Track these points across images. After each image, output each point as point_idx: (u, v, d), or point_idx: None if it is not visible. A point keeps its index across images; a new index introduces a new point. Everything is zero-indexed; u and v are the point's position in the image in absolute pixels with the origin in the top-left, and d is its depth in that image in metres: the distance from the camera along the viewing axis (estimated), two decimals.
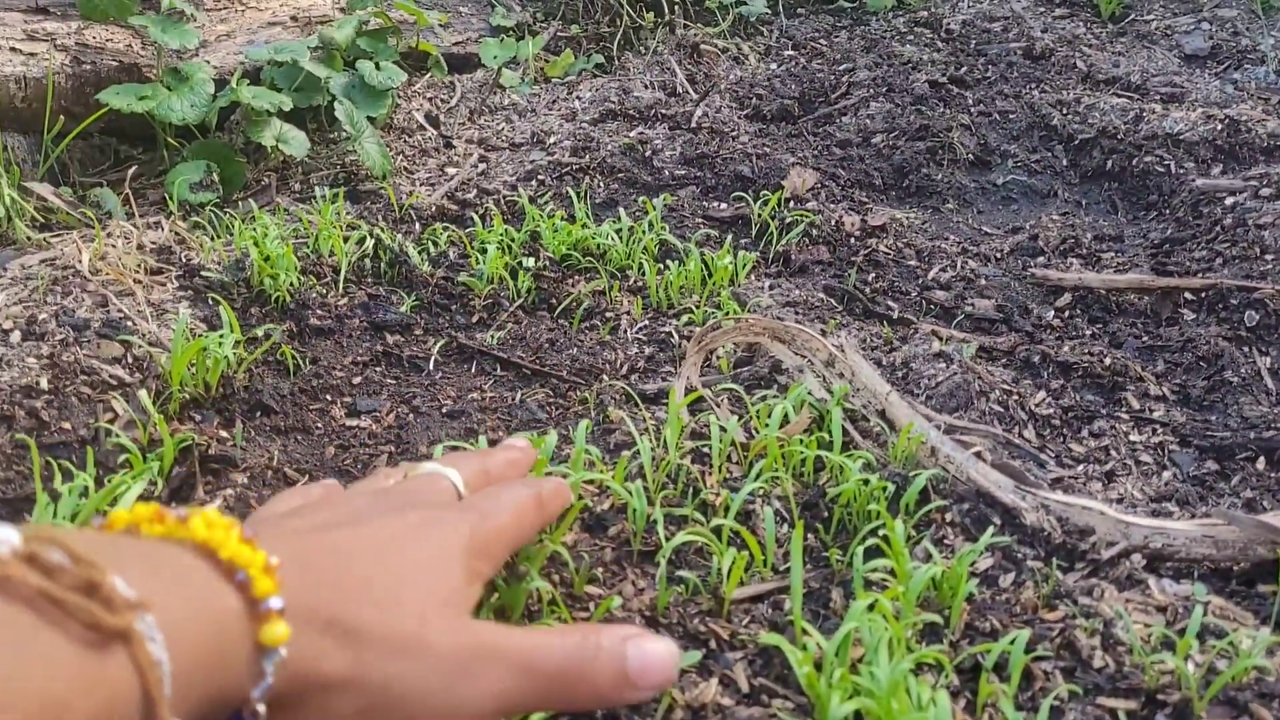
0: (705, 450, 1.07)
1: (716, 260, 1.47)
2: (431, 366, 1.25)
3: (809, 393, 1.09)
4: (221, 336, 1.11)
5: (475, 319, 1.38)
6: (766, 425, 1.05)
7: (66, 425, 0.98)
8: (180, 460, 0.93)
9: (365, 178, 1.76)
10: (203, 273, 1.35)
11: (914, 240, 1.67)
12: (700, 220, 1.71)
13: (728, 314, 1.34)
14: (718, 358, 1.26)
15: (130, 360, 1.13)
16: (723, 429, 1.03)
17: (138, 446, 0.92)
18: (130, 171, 1.70)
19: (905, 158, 1.89)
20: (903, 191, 1.86)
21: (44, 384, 1.02)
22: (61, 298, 1.23)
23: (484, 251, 1.49)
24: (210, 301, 1.31)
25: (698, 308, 1.40)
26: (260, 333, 1.23)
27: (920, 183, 1.86)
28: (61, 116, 1.63)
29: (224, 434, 1.04)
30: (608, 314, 1.41)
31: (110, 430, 0.98)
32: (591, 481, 0.96)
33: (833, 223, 1.67)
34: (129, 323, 1.21)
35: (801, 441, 1.01)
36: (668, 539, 0.87)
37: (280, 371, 1.20)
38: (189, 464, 0.97)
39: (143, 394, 1.03)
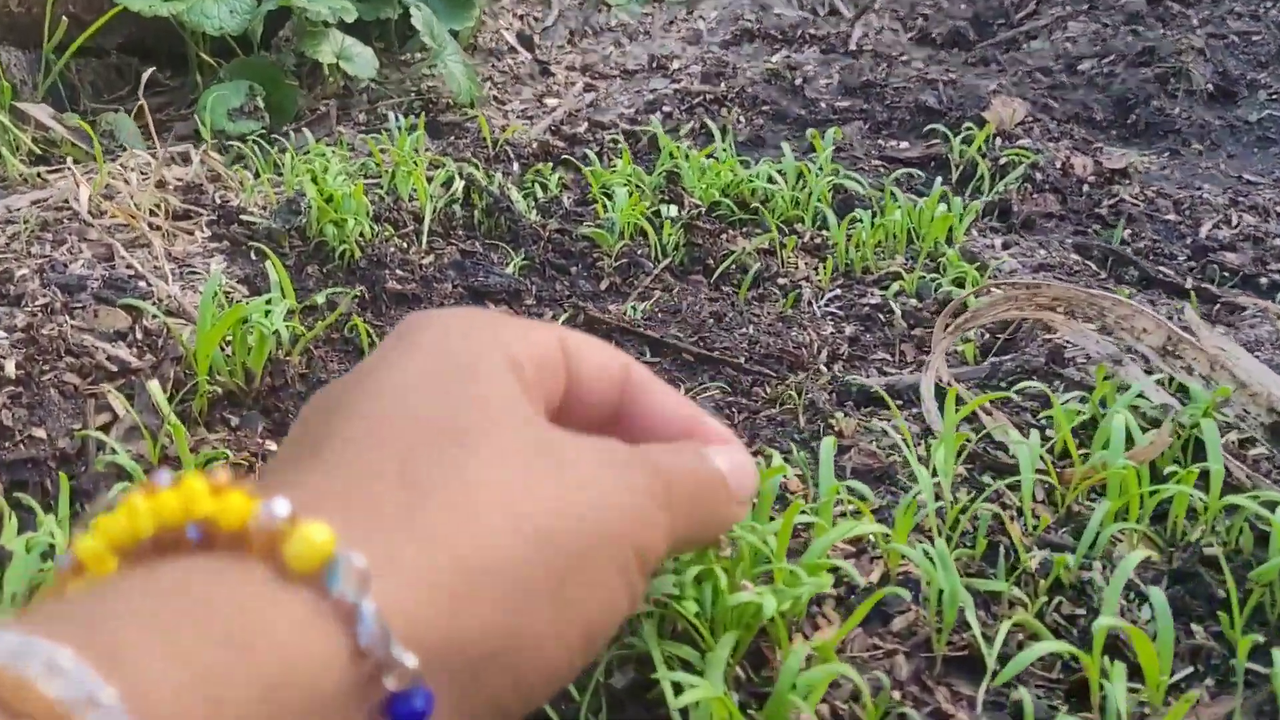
0: (979, 479, 0.72)
1: (925, 210, 1.11)
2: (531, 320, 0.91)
3: (1143, 395, 0.74)
4: (269, 304, 0.78)
5: (605, 284, 1.04)
6: (1092, 446, 0.70)
7: (38, 433, 0.65)
8: None
9: (446, 106, 1.42)
10: (243, 217, 1.02)
11: (1164, 189, 1.30)
12: (879, 162, 1.35)
13: (975, 282, 0.98)
14: (960, 342, 0.90)
15: (139, 336, 0.80)
16: (1021, 450, 0.68)
17: (144, 470, 0.58)
18: (153, 102, 1.38)
19: (1128, 88, 1.52)
20: (1128, 129, 1.49)
21: (9, 369, 0.69)
22: (51, 248, 0.91)
23: (609, 196, 1.15)
24: (253, 256, 0.98)
25: (908, 272, 1.05)
26: (321, 299, 0.90)
27: (1150, 118, 1.48)
28: (67, 23, 1.30)
29: (272, 447, 0.71)
30: (781, 279, 1.06)
31: (103, 443, 0.65)
32: (858, 541, 0.61)
33: (1058, 165, 1.30)
34: (141, 283, 0.89)
35: (1165, 473, 0.66)
36: (986, 638, 0.53)
37: (351, 354, 0.87)
38: None
39: (154, 386, 0.70)
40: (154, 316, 0.82)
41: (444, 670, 0.31)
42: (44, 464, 0.64)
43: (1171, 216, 1.24)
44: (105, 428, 0.70)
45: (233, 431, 0.73)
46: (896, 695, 0.53)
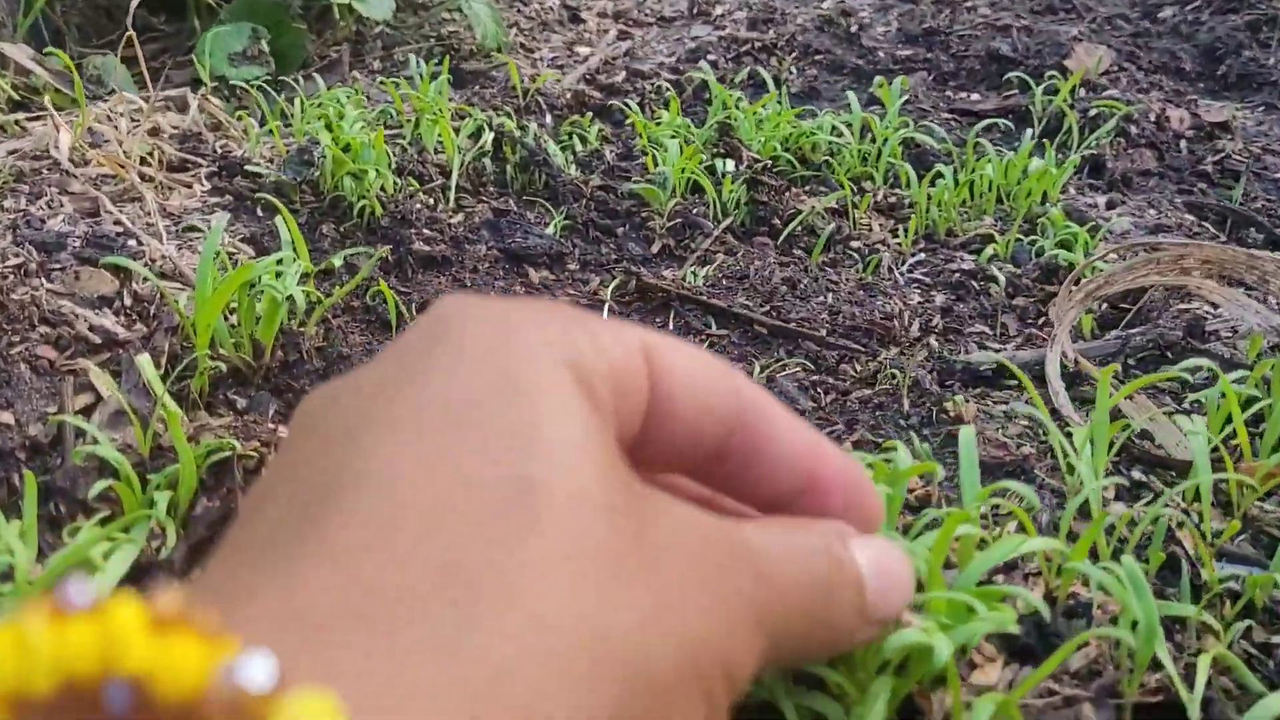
0: (1128, 475, 0.61)
1: (1014, 165, 0.99)
2: (604, 318, 0.79)
3: None
4: (280, 265, 0.66)
5: (658, 247, 0.92)
6: (1265, 437, 0.59)
7: (4, 418, 0.54)
8: (210, 488, 0.49)
9: (470, 54, 1.30)
10: (247, 169, 0.90)
11: (1269, 144, 1.18)
12: (949, 115, 1.23)
13: (1085, 245, 0.86)
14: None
15: (128, 302, 0.69)
16: (1196, 441, 0.56)
17: (131, 462, 0.47)
18: (147, 49, 1.26)
19: (1216, 36, 1.40)
20: (1219, 81, 1.37)
21: None
22: (27, 201, 0.79)
23: (659, 148, 1.03)
24: (260, 213, 0.86)
25: (1001, 235, 0.93)
26: (339, 262, 0.78)
27: (1243, 69, 1.36)
28: None
29: (285, 434, 0.59)
30: (855, 243, 0.94)
31: (82, 430, 0.54)
32: (1017, 565, 0.50)
33: (1152, 118, 1.18)
34: (130, 242, 0.77)
35: None
36: (1183, 679, 0.42)
37: (374, 325, 0.76)
38: (225, 494, 0.53)
39: (145, 361, 0.58)
40: (145, 280, 0.71)
41: None
42: (10, 455, 0.53)
43: None
44: (85, 411, 0.59)
45: (239, 415, 0.62)
46: None
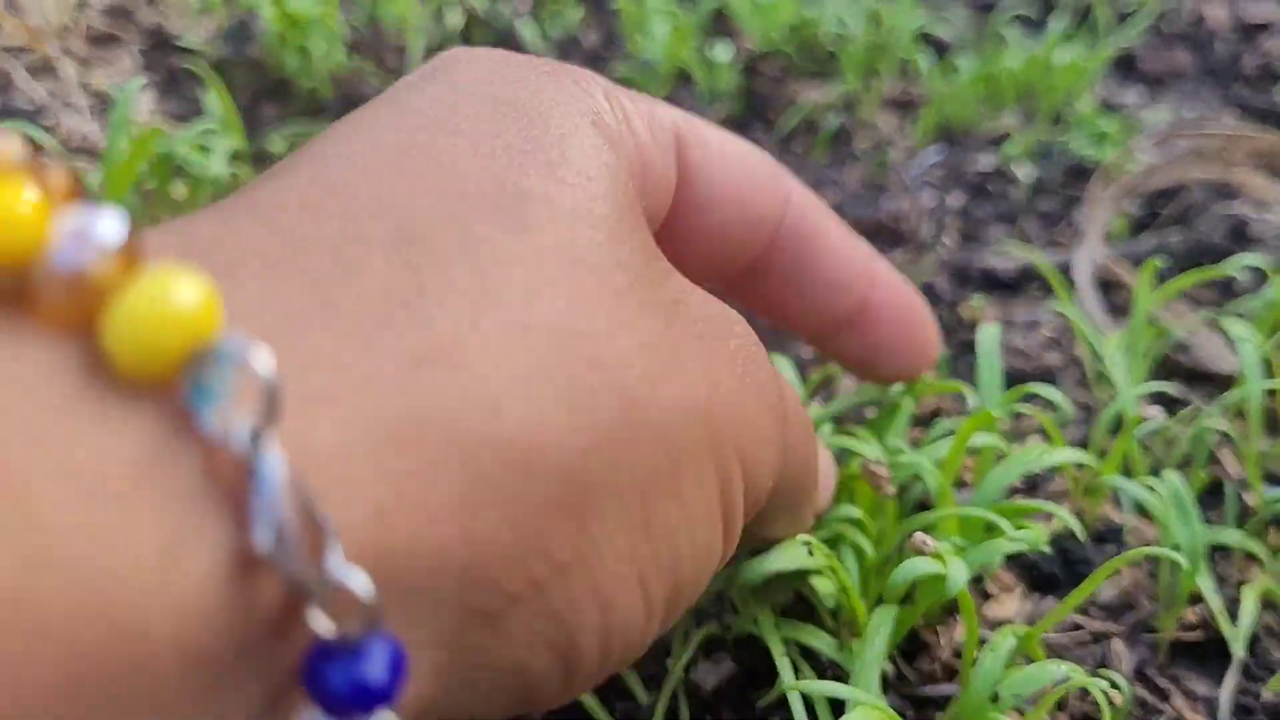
0: (1164, 391, 0.55)
1: (1039, 57, 0.93)
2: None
3: None
4: (208, 134, 0.60)
5: None
6: None
7: None
8: None
9: None
10: (181, 44, 0.83)
11: None
12: (969, 6, 1.15)
13: (1117, 143, 0.80)
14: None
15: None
16: (1245, 348, 0.51)
17: None
18: None
19: None
20: None
21: None
22: None
23: (642, 31, 0.96)
24: (197, 94, 0.79)
25: (1024, 131, 0.87)
26: (282, 143, 0.72)
27: None
28: None
29: None
30: (861, 139, 0.88)
31: None
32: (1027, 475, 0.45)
33: (1186, 14, 1.11)
34: (44, 116, 0.70)
35: None
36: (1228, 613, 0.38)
37: None
38: None
39: None
40: (55, 152, 0.64)
41: (427, 606, 0.18)
42: None
43: None
44: None
45: None
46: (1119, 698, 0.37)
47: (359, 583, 0.16)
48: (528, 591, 0.19)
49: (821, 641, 0.35)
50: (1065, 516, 0.36)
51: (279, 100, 0.83)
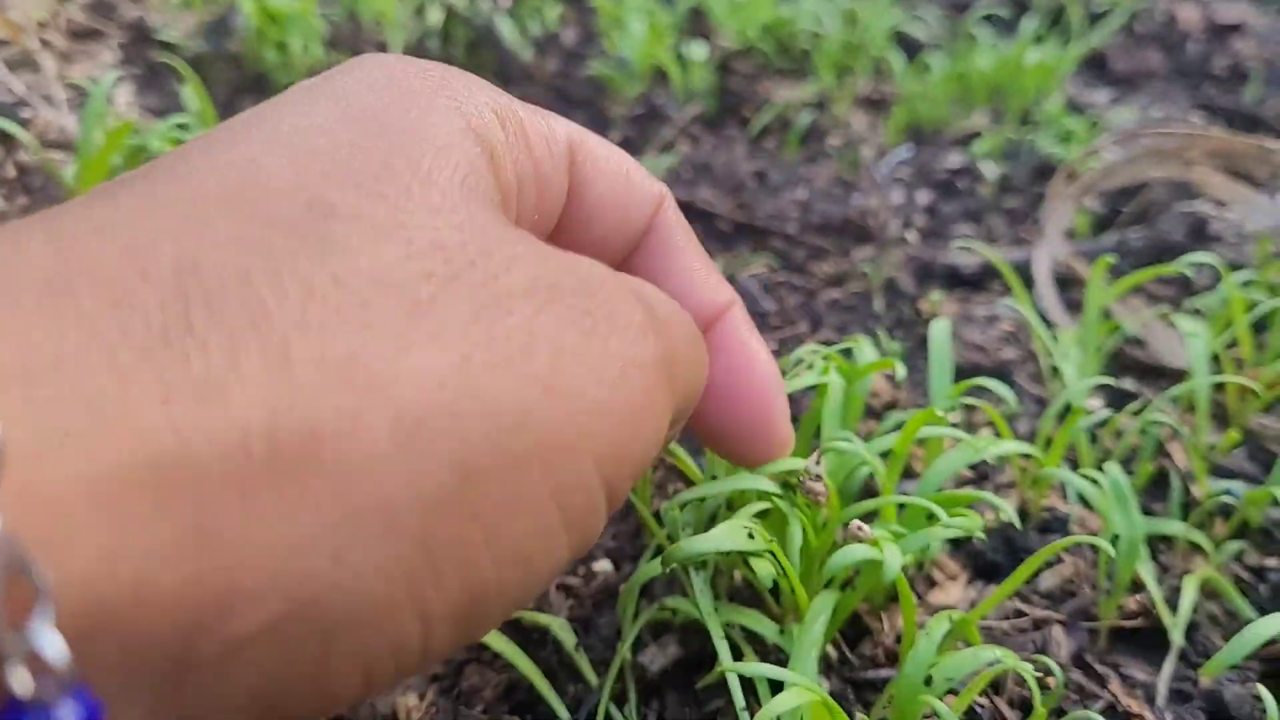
0: (1118, 385, 0.56)
1: (1012, 57, 0.93)
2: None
3: None
4: (182, 128, 0.60)
5: (618, 137, 0.86)
6: (1269, 344, 0.54)
7: None
8: None
9: None
10: (161, 38, 0.83)
11: None
12: (943, 6, 1.16)
13: (1083, 142, 0.81)
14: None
15: (12, 174, 0.63)
16: (1193, 343, 0.52)
17: None
18: None
19: None
20: None
21: None
22: None
23: (622, 28, 0.96)
24: (175, 87, 0.80)
25: (991, 130, 0.88)
26: None
27: None
28: None
29: None
30: (833, 137, 0.89)
31: None
32: (975, 464, 0.46)
33: (1158, 15, 1.12)
34: (22, 110, 0.71)
35: None
36: (1167, 603, 0.38)
37: None
38: None
39: None
40: (29, 151, 0.64)
41: (154, 649, 0.17)
42: None
43: None
44: None
45: None
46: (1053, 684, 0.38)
47: (52, 648, 0.16)
48: (266, 631, 0.18)
49: (763, 626, 0.36)
50: (1003, 506, 0.37)
51: (258, 94, 0.83)
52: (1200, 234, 0.69)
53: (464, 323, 0.21)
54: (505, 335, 0.22)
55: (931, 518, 0.39)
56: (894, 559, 0.34)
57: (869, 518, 0.37)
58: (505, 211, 0.26)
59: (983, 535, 0.36)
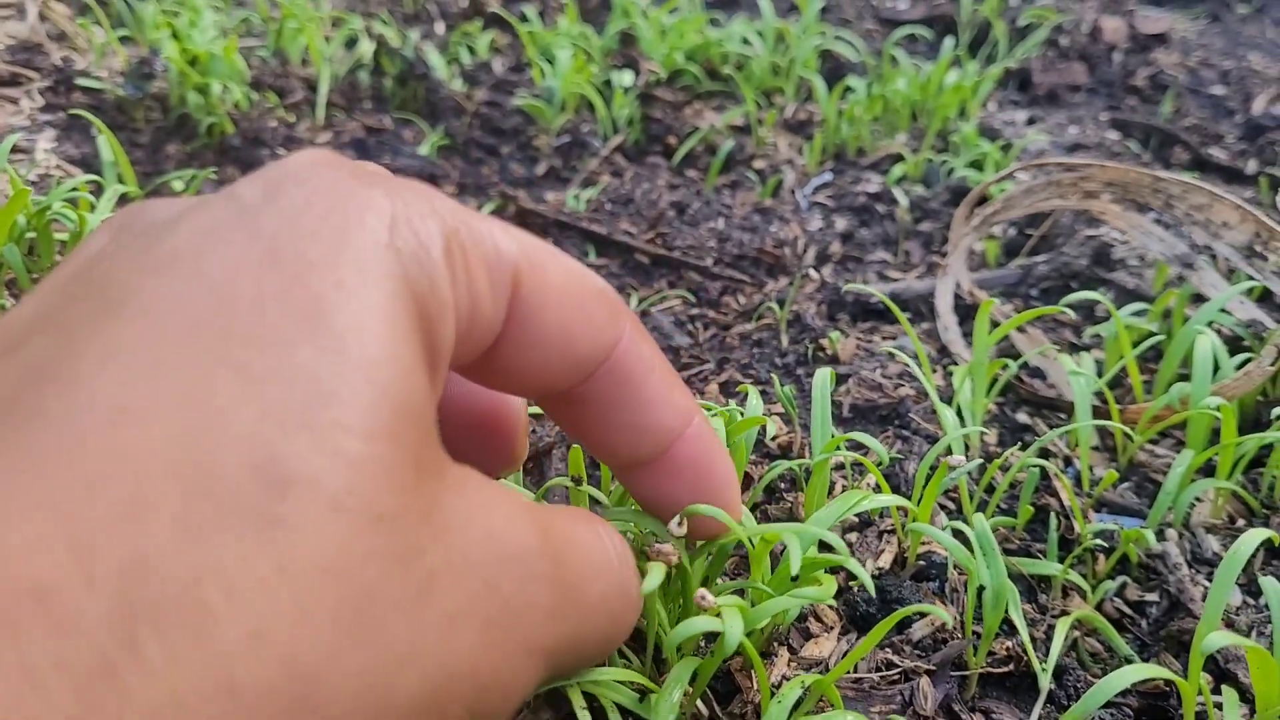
0: (1012, 417, 0.57)
1: (932, 79, 0.94)
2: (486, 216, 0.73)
3: (1225, 310, 0.59)
4: (76, 190, 0.60)
5: (543, 168, 0.86)
6: (1158, 376, 0.55)
7: None
8: None
9: None
10: (84, 82, 0.83)
11: (1208, 58, 1.13)
12: (873, 25, 1.17)
13: (996, 164, 0.81)
14: (980, 240, 0.74)
15: None
16: (1076, 383, 0.53)
17: None
18: None
19: None
20: None
21: None
22: None
23: (551, 62, 0.96)
24: (94, 132, 0.79)
25: (913, 153, 0.88)
26: (180, 184, 0.72)
27: None
28: None
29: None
30: (758, 162, 0.89)
31: None
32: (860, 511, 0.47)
33: (1086, 28, 1.12)
34: None
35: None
36: (1036, 643, 0.39)
37: None
38: None
39: None
40: None
41: None
42: None
43: (1218, 90, 1.07)
44: None
45: None
46: None
47: None
48: None
49: (621, 695, 0.37)
50: (855, 568, 0.37)
51: (182, 137, 0.83)
52: (1104, 259, 0.70)
53: (400, 607, 0.22)
54: (429, 620, 0.23)
55: (795, 580, 0.39)
56: (734, 631, 0.34)
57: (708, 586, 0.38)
58: (429, 366, 0.25)
59: (833, 603, 0.37)
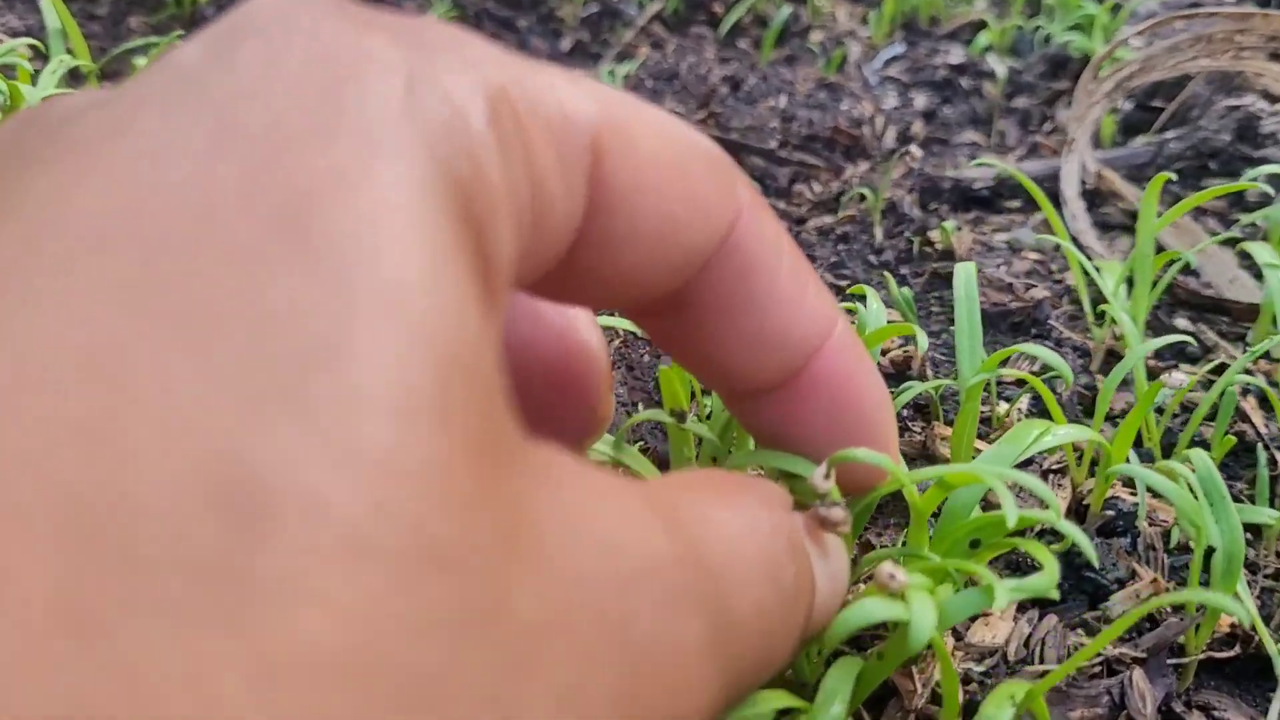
0: (1169, 323, 0.46)
1: None
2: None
3: None
4: (13, 55, 0.49)
5: (569, 42, 0.74)
6: None
7: None
8: None
9: None
10: None
11: None
12: None
13: (1105, 27, 0.69)
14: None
15: None
16: (1273, 276, 0.42)
17: None
18: None
19: None
20: None
21: None
22: None
23: None
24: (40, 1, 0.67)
25: (999, 19, 0.76)
26: (142, 59, 0.61)
27: None
28: None
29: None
30: (815, 34, 0.77)
31: None
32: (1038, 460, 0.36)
33: None
34: None
35: None
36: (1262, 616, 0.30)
37: None
38: None
39: None
40: None
41: None
42: None
43: None
44: None
45: None
46: None
47: None
48: None
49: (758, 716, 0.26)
50: (1073, 533, 0.27)
51: (147, 8, 0.70)
52: (1251, 135, 0.59)
53: (481, 631, 0.13)
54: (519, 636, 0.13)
55: (976, 545, 0.29)
56: (925, 623, 0.24)
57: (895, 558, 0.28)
58: (484, 293, 0.16)
59: (1056, 593, 0.26)
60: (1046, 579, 0.25)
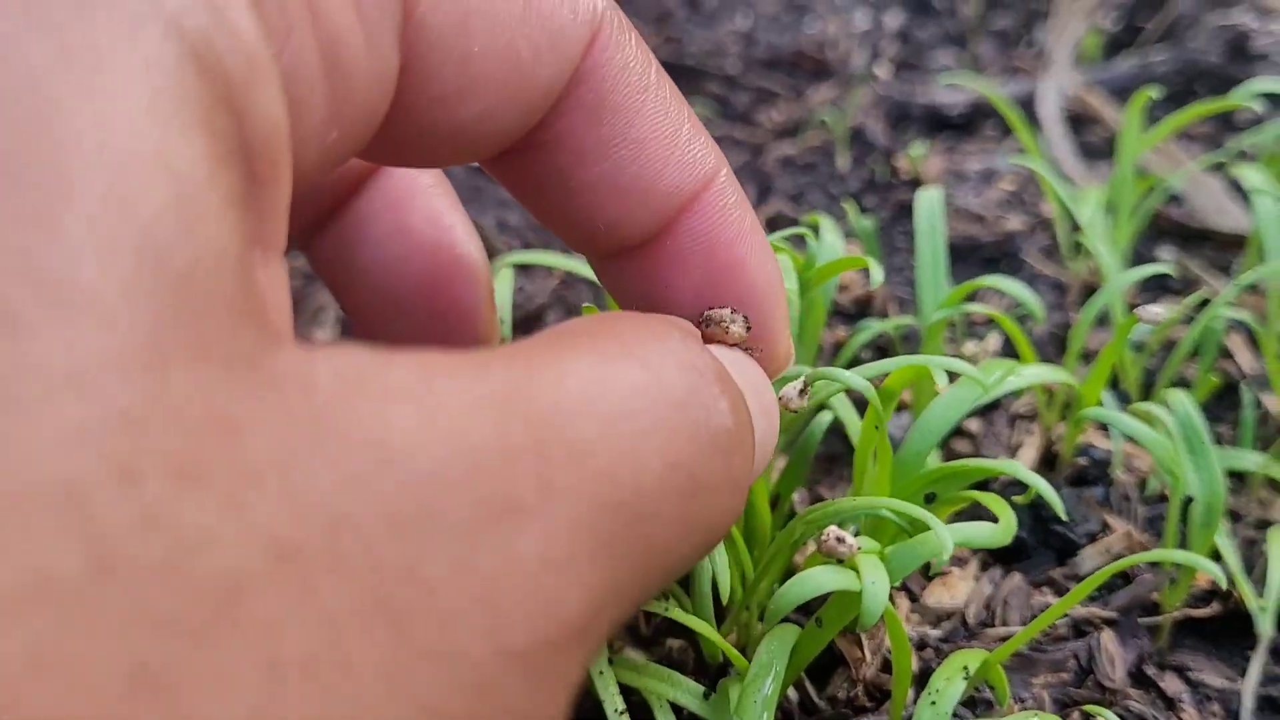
0: (1153, 254, 0.44)
1: None
2: None
3: None
4: None
5: None
6: None
7: None
8: None
9: None
10: None
11: None
12: None
13: None
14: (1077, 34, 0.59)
15: None
16: (1260, 202, 0.39)
17: None
18: None
19: None
20: None
21: None
22: None
23: None
24: None
25: None
26: None
27: None
28: None
29: None
30: None
31: None
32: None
33: None
34: None
35: None
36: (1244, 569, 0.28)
37: None
38: None
39: None
40: None
41: None
42: None
43: None
44: None
45: None
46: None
47: None
48: None
49: (683, 691, 0.24)
50: (1038, 484, 0.24)
51: None
52: (1241, 53, 0.56)
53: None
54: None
55: (931, 499, 0.26)
56: (878, 595, 0.22)
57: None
58: (237, 171, 0.14)
59: (1009, 532, 0.24)
60: (1001, 531, 0.23)
